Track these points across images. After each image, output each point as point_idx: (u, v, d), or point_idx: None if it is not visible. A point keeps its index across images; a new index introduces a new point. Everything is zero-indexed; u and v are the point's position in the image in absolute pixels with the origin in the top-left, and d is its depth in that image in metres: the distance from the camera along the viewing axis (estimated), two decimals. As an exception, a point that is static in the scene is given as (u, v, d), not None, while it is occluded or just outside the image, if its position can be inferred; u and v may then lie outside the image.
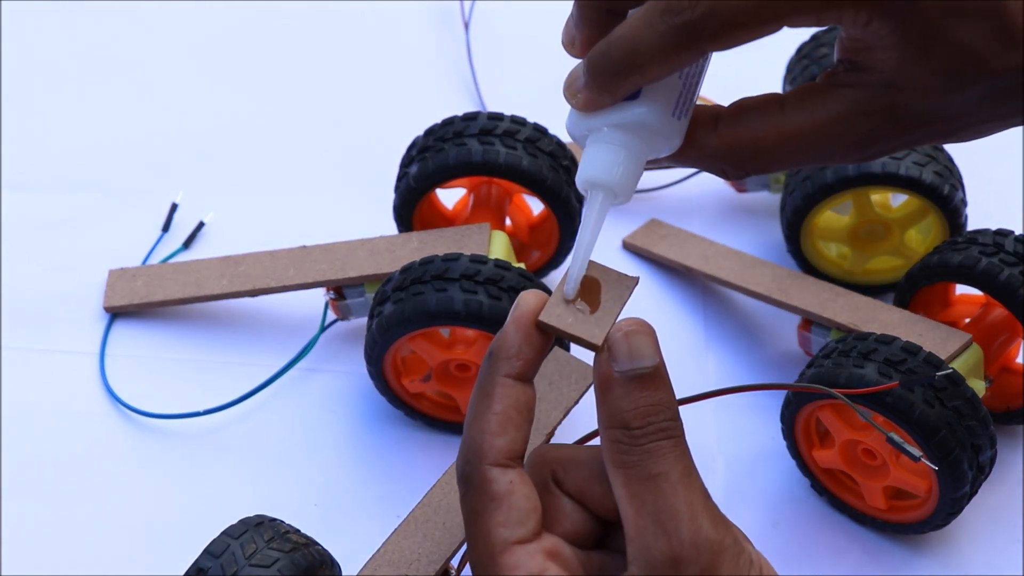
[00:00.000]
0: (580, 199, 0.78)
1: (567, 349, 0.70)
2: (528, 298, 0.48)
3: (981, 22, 0.45)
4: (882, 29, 0.45)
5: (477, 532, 0.47)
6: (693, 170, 0.85)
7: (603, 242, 0.85)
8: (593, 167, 0.48)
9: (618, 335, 0.47)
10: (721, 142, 0.48)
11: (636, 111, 0.48)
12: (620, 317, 0.48)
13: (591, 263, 0.49)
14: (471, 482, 0.47)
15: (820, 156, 0.48)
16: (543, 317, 0.48)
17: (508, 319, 0.48)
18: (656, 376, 0.47)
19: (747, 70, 0.96)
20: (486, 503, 0.47)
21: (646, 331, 0.47)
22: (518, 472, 0.47)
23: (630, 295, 0.49)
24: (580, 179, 0.49)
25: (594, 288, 0.49)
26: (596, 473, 0.48)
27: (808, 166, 0.50)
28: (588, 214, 0.48)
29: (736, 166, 0.48)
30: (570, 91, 0.48)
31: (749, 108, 0.48)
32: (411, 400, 0.74)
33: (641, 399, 0.46)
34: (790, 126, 0.47)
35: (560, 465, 0.49)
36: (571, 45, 0.49)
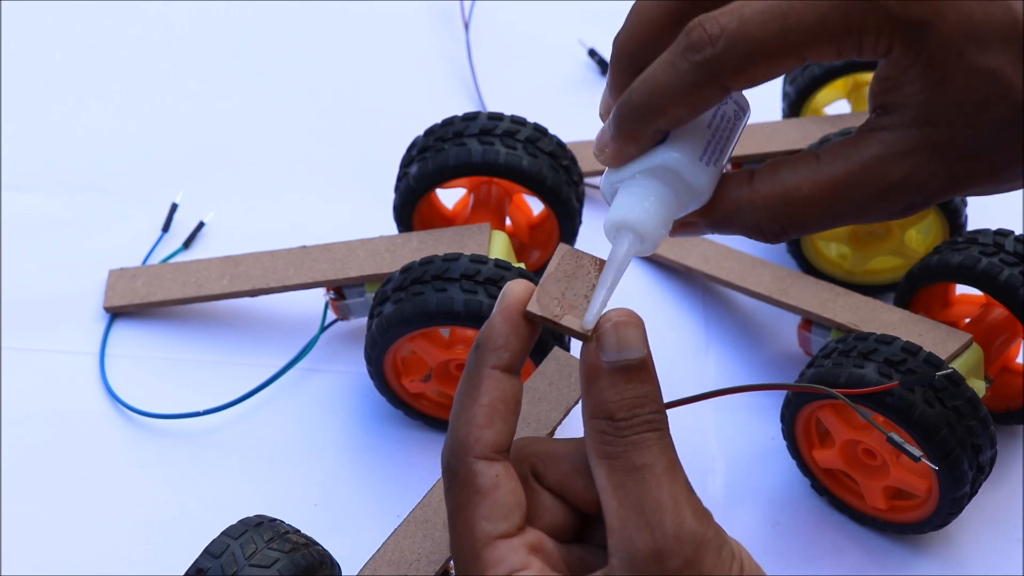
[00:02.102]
0: (580, 199, 0.78)
1: (567, 348, 0.70)
2: (515, 288, 0.48)
3: (1002, 44, 0.45)
4: (904, 58, 0.45)
5: (461, 525, 0.47)
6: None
7: (603, 243, 0.85)
8: (619, 210, 0.48)
9: (607, 325, 0.47)
10: (754, 194, 0.48)
11: (662, 155, 0.47)
12: (608, 307, 0.48)
13: (575, 251, 0.49)
14: (456, 475, 0.47)
15: (857, 206, 0.47)
16: (531, 308, 0.48)
17: (495, 310, 0.48)
18: (643, 368, 0.46)
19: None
20: (471, 496, 0.47)
21: (635, 322, 0.47)
22: (504, 466, 0.47)
23: (616, 283, 0.48)
24: (607, 224, 0.48)
25: (580, 276, 0.48)
26: (576, 466, 0.48)
27: (847, 222, 0.48)
28: (613, 257, 0.48)
29: (771, 220, 0.48)
30: (599, 148, 0.48)
31: (783, 163, 0.48)
32: (411, 400, 0.74)
33: (627, 390, 0.46)
34: (825, 175, 0.47)
35: (539, 459, 0.49)
36: (607, 113, 0.49)
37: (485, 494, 0.47)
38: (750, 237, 0.49)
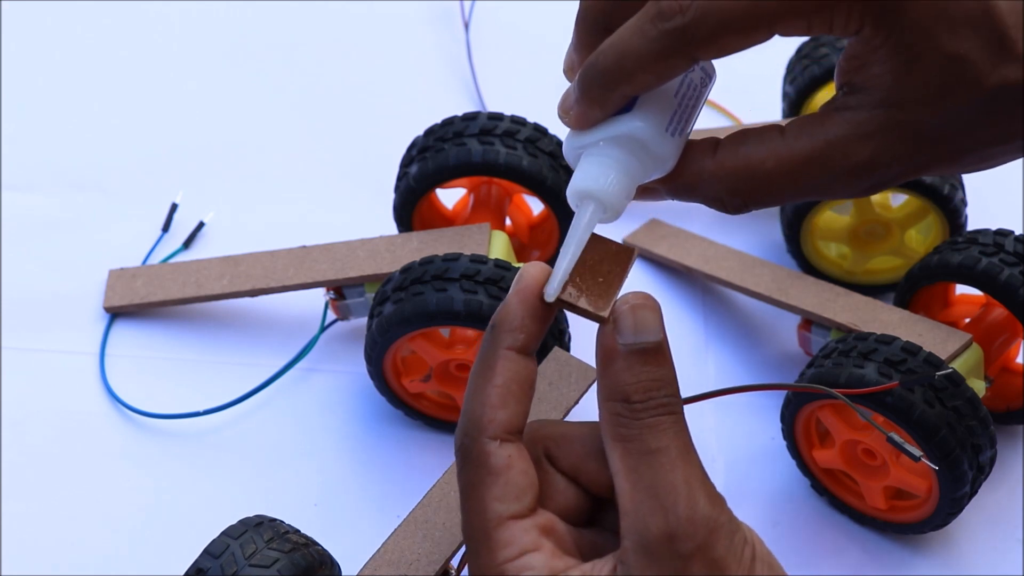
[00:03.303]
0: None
1: (567, 348, 0.70)
2: (531, 271, 0.48)
3: (972, 30, 0.44)
4: (875, 37, 0.45)
5: (472, 505, 0.47)
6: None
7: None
8: (582, 178, 0.48)
9: (624, 308, 0.47)
10: (718, 166, 0.48)
11: (627, 124, 0.47)
12: (624, 290, 0.48)
13: (593, 235, 0.48)
14: (469, 455, 0.47)
15: (819, 183, 0.47)
16: (547, 289, 0.48)
17: (511, 291, 0.48)
18: (659, 351, 0.46)
19: (747, 71, 0.96)
20: (483, 476, 0.47)
21: (652, 306, 0.47)
22: (517, 447, 0.47)
23: (631, 266, 0.48)
24: (570, 191, 0.48)
25: (596, 261, 0.48)
26: (590, 449, 0.48)
27: (808, 198, 0.48)
28: (576, 225, 0.48)
29: (732, 193, 0.48)
30: (563, 110, 0.48)
31: (748, 134, 0.48)
32: (411, 400, 0.74)
33: (643, 373, 0.46)
34: (788, 151, 0.47)
35: (553, 441, 0.49)
36: (571, 71, 0.49)
37: (497, 474, 0.46)
38: (711, 207, 0.49)
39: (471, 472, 0.47)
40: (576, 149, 0.49)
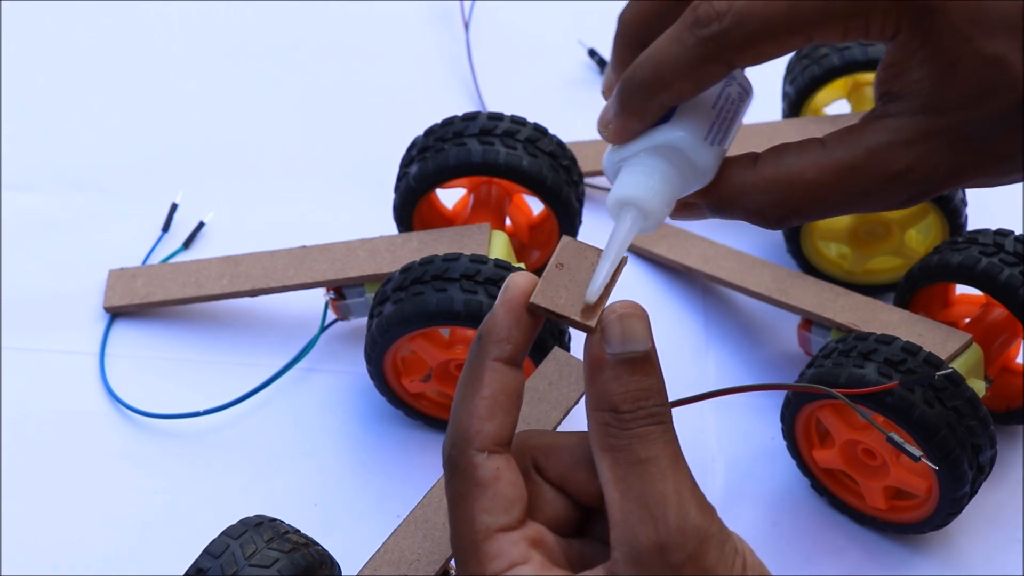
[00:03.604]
0: (580, 199, 0.78)
1: (567, 348, 0.70)
2: (518, 280, 0.47)
3: (1009, 31, 0.44)
4: (911, 42, 0.45)
5: (461, 517, 0.47)
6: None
7: (603, 243, 0.85)
8: (622, 186, 0.48)
9: (612, 317, 0.46)
10: (759, 178, 0.47)
11: (667, 133, 0.47)
12: (612, 299, 0.48)
13: (577, 243, 0.48)
14: (457, 466, 0.47)
15: (862, 192, 0.47)
16: (534, 299, 0.47)
17: (497, 301, 0.48)
18: (647, 360, 0.46)
19: (748, 69, 0.97)
20: (471, 488, 0.46)
21: (640, 314, 0.47)
22: (505, 458, 0.47)
23: (619, 274, 0.48)
24: (610, 201, 0.48)
25: (584, 268, 0.48)
26: (578, 459, 0.48)
27: (851, 209, 0.48)
28: (615, 233, 0.48)
29: (774, 205, 0.47)
30: (602, 124, 0.48)
31: (787, 147, 0.48)
32: (411, 400, 0.74)
33: (631, 383, 0.46)
34: (829, 160, 0.46)
35: (541, 452, 0.49)
36: (609, 90, 0.49)
37: (486, 486, 0.46)
38: (751, 222, 0.49)
39: (459, 484, 0.47)
40: (616, 163, 0.49)
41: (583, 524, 0.49)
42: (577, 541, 0.49)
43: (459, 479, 0.47)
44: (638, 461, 0.45)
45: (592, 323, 0.47)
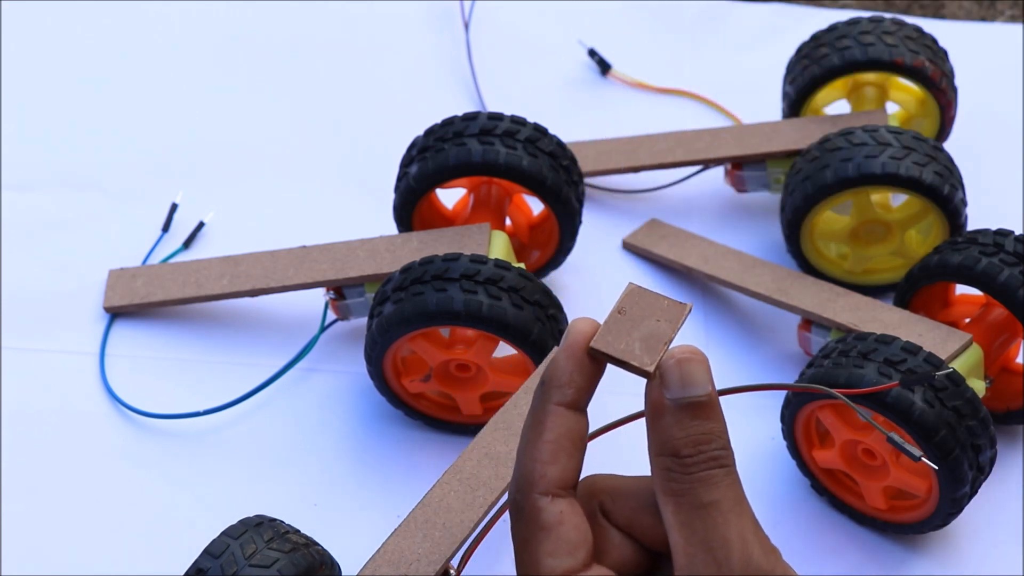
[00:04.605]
0: (580, 199, 0.78)
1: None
2: (579, 325, 0.48)
3: None
4: None
5: (526, 561, 0.47)
6: (693, 169, 0.86)
7: (603, 243, 0.86)
8: None
9: (671, 363, 0.47)
10: None
11: None
12: (673, 344, 0.48)
13: (643, 290, 0.49)
14: (522, 510, 0.47)
15: None
16: (595, 344, 0.47)
17: (560, 346, 0.48)
18: (708, 405, 0.46)
19: (747, 70, 0.97)
20: (535, 532, 0.47)
21: (699, 359, 0.47)
22: (568, 502, 0.47)
23: (683, 322, 0.48)
24: None
25: (646, 314, 0.48)
26: (644, 503, 0.48)
27: None
28: None
29: None
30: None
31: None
32: (411, 400, 0.74)
33: (693, 427, 0.46)
34: None
35: (608, 495, 0.49)
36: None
37: (549, 530, 0.47)
38: None
39: (523, 528, 0.47)
40: None
41: (651, 570, 0.49)
42: None
43: (523, 523, 0.47)
44: (701, 505, 0.46)
45: (651, 368, 0.47)
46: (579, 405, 0.48)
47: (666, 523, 0.46)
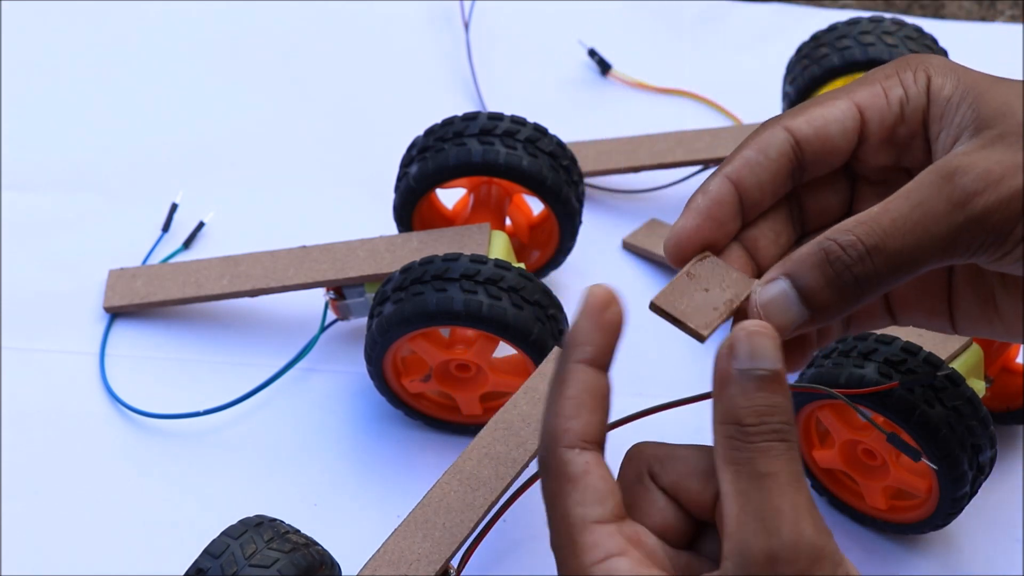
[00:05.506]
0: (580, 199, 0.78)
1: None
2: (595, 289, 0.48)
3: None
4: None
5: (556, 514, 0.47)
6: (694, 169, 0.86)
7: (603, 243, 0.86)
8: None
9: (741, 333, 0.47)
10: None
11: None
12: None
13: (715, 259, 0.50)
14: (548, 466, 0.47)
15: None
16: (657, 300, 0.49)
17: (578, 308, 0.48)
18: (775, 379, 0.47)
19: (747, 70, 0.97)
20: (563, 484, 0.47)
21: (771, 334, 0.47)
22: (594, 455, 0.47)
23: (747, 296, 0.49)
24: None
25: (714, 281, 0.49)
26: (694, 470, 0.48)
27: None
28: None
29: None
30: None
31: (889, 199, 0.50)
32: (411, 400, 0.74)
33: (757, 398, 0.46)
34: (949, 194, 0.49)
35: (657, 459, 0.49)
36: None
37: (576, 480, 0.47)
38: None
39: (551, 482, 0.47)
40: None
41: (694, 539, 0.49)
42: (685, 553, 0.49)
43: (551, 477, 0.47)
44: (759, 475, 0.46)
45: (705, 333, 0.48)
46: (599, 363, 0.48)
47: (722, 491, 0.46)
